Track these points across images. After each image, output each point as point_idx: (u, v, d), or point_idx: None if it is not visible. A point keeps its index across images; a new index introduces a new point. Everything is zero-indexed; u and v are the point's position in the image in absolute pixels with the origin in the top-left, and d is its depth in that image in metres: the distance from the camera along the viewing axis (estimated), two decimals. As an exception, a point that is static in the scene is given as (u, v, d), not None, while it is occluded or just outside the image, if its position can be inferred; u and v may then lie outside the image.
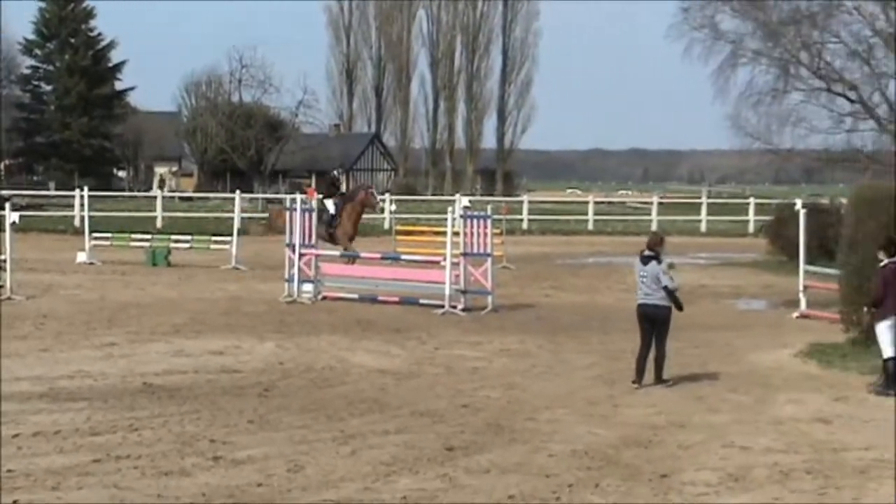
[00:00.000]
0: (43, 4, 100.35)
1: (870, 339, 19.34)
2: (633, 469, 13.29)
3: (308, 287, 28.80)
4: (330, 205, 34.27)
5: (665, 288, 18.51)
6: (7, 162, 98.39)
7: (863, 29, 38.18)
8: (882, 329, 18.32)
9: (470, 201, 32.86)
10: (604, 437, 14.84)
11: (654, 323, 18.59)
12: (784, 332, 24.73)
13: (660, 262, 18.65)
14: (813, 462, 13.69)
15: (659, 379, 18.56)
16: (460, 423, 15.50)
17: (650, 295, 18.57)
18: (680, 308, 18.78)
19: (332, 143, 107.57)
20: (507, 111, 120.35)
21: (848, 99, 38.13)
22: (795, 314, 27.27)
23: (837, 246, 24.24)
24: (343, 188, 38.49)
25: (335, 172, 39.87)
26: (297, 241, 28.93)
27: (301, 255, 28.89)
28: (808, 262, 28.81)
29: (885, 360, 18.28)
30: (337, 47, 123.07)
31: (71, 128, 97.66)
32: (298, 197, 31.98)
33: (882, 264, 18.55)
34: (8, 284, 27.74)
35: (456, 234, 27.90)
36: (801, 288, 28.00)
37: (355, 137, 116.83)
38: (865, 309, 19.18)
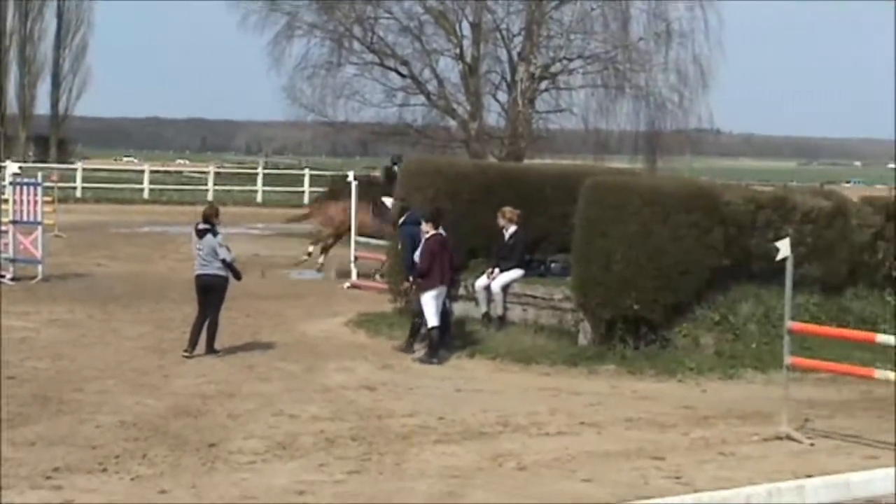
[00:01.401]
0: None
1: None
2: (182, 439, 13.22)
3: None
4: None
5: (223, 260, 18.52)
6: None
7: (414, 6, 39.23)
8: (427, 299, 18.95)
9: (20, 168, 31.75)
10: (153, 408, 14.71)
11: (209, 293, 18.57)
12: (335, 301, 25.18)
13: (216, 234, 18.63)
14: (358, 429, 14.01)
15: (210, 349, 18.54)
16: (6, 395, 14.98)
17: (207, 265, 18.54)
18: (238, 277, 18.90)
19: None
20: (61, 76, 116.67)
21: (400, 74, 39.07)
22: (346, 284, 27.79)
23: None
24: None
25: None
26: None
27: None
28: (360, 233, 29.41)
29: (430, 329, 18.91)
30: None
31: None
32: None
33: (427, 236, 19.17)
34: None
35: (5, 201, 26.98)
36: (352, 259, 28.57)
37: None
38: (410, 279, 19.73)
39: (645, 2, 40.38)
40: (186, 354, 18.18)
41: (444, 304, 19.30)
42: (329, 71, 39.33)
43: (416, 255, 19.27)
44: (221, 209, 20.44)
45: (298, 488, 11.49)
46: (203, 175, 69.82)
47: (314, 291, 27.20)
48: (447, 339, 19.42)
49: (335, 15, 38.68)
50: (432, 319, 18.91)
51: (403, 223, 20.45)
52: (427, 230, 19.24)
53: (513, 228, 20.81)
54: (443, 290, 19.18)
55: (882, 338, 15.58)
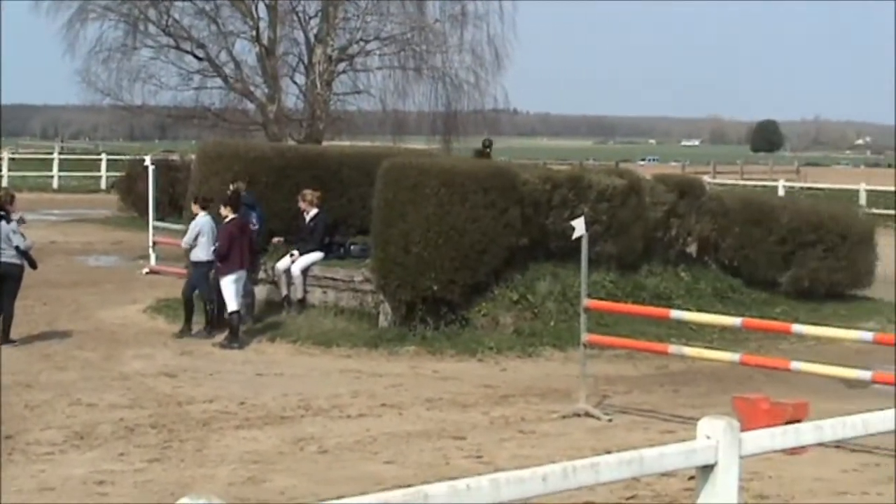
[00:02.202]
0: None
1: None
2: (-25, 433, 12.91)
3: None
4: None
5: (17, 248, 18.09)
6: None
7: (210, -12, 38.72)
8: (226, 283, 18.81)
9: None
10: (-56, 402, 14.32)
11: (4, 281, 18.13)
12: (133, 287, 24.82)
13: (9, 220, 18.20)
14: (158, 416, 13.87)
15: (6, 339, 18.13)
16: None
17: (1, 253, 18.09)
18: (34, 266, 18.51)
19: None
20: None
21: (196, 57, 38.52)
22: (145, 270, 27.42)
23: (186, 201, 24.52)
24: None
25: None
26: None
27: None
28: (159, 218, 29.07)
29: (231, 314, 18.79)
30: None
31: None
32: None
33: (227, 220, 19.03)
34: None
35: None
36: (150, 244, 28.19)
37: None
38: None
39: (440, -17, 40.59)
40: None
41: (245, 286, 19.26)
42: (124, 54, 38.56)
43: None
44: (17, 195, 20.00)
45: (98, 478, 11.32)
46: (-5, 161, 67.81)
47: (112, 278, 26.76)
48: (247, 322, 19.43)
49: (129, -3, 38.04)
50: (232, 304, 18.78)
51: None
52: (226, 214, 19.11)
53: (314, 211, 20.77)
54: (242, 273, 19.07)
55: (676, 313, 16.02)
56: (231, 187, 20.10)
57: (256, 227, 20.09)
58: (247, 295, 19.73)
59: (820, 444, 7.22)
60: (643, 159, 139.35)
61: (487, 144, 36.80)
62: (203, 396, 14.98)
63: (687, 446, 5.87)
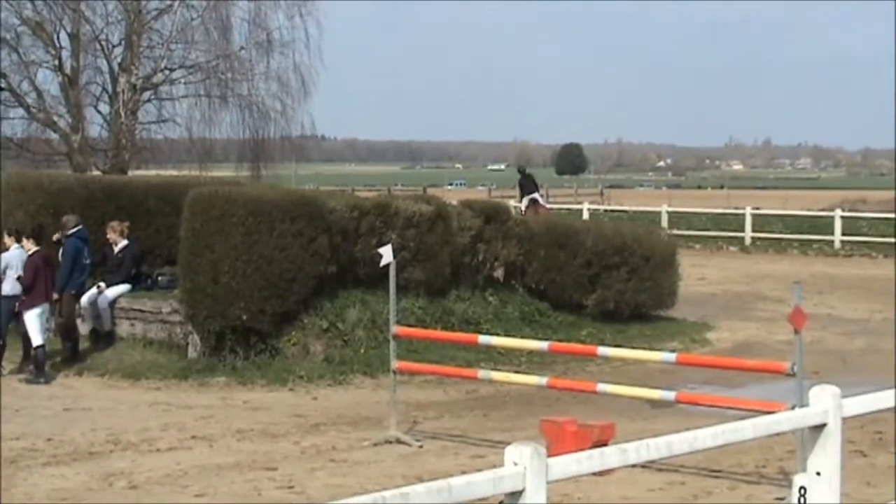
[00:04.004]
0: None
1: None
2: None
3: None
4: None
5: None
6: None
7: (10, 16, 38.08)
8: (31, 317, 18.48)
9: None
10: None
11: None
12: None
13: None
14: (-38, 456, 13.53)
15: None
16: None
17: None
18: None
19: None
20: None
21: (-2, 87, 37.92)
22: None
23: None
24: None
25: None
26: None
27: None
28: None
29: (36, 348, 18.45)
30: None
31: None
32: None
33: (30, 252, 18.70)
34: None
35: None
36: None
37: None
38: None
39: (245, 11, 40.54)
40: None
41: (68, 320, 19.09)
42: (-79, 84, 37.78)
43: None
44: None
45: None
46: None
47: None
48: (78, 356, 19.37)
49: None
50: (37, 338, 18.45)
51: (69, 236, 19.73)
52: (29, 247, 18.78)
53: (123, 243, 20.53)
54: (46, 307, 18.78)
55: (484, 339, 16.25)
56: (63, 219, 19.81)
57: (88, 262, 19.80)
58: (72, 331, 19.45)
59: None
60: (451, 183, 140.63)
61: (521, 170, 38.76)
62: (9, 434, 14.65)
63: (495, 473, 5.99)
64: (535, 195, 38.17)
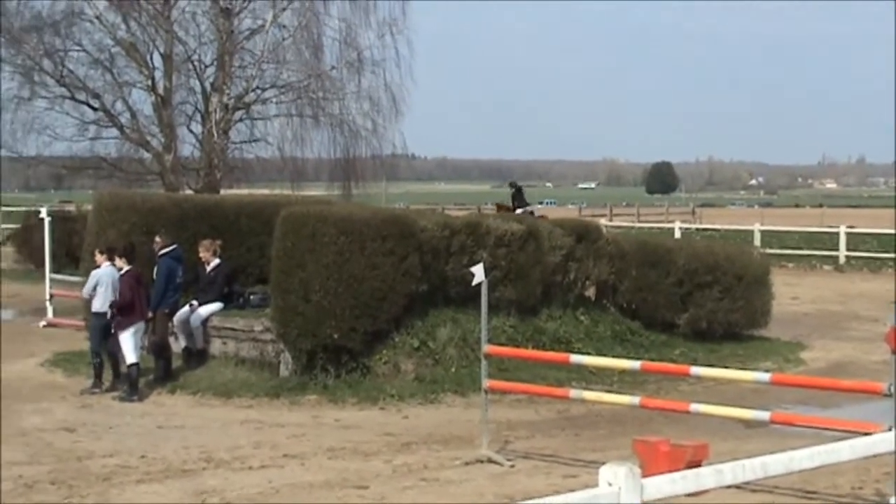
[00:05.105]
0: None
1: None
2: None
3: None
4: None
5: None
6: None
7: (105, 38, 38.50)
8: (125, 336, 18.66)
9: None
10: None
11: None
12: (31, 341, 24.49)
13: None
14: (58, 472, 13.69)
15: None
16: None
17: None
18: None
19: None
20: None
21: (91, 107, 38.27)
22: (42, 323, 27.10)
23: (83, 253, 24.27)
24: None
25: None
26: None
27: None
28: (55, 270, 28.81)
29: (130, 366, 18.62)
30: None
31: None
32: None
33: (122, 272, 18.90)
34: None
35: None
36: (47, 296, 27.89)
37: None
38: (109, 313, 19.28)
39: (336, 31, 40.72)
40: None
41: (161, 339, 19.43)
42: (19, 105, 38.30)
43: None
44: None
45: (-5, 538, 11.15)
46: None
47: (8, 332, 26.32)
48: (171, 374, 19.53)
49: (23, 49, 37.70)
50: (131, 356, 18.63)
51: (163, 255, 19.95)
52: (121, 266, 18.98)
53: (215, 262, 20.69)
54: (141, 325, 18.96)
55: (576, 358, 16.12)
56: (157, 239, 20.03)
57: (181, 280, 20.00)
58: (165, 349, 19.63)
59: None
60: (541, 202, 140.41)
61: (514, 185, 40.42)
62: (103, 451, 14.81)
63: (590, 493, 5.94)
64: (529, 208, 40.80)
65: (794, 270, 41.89)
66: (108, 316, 19.02)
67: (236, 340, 20.05)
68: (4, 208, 61.68)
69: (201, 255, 20.70)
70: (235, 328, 20.07)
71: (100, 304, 19.24)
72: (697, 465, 10.54)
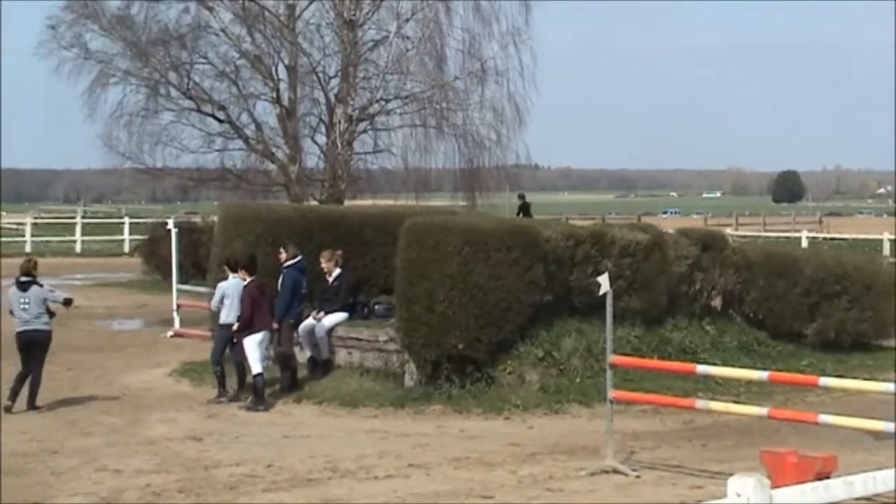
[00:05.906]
0: None
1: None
2: (3, 500, 12.89)
3: None
4: None
5: (67, 300, 18.88)
6: None
7: (230, 50, 38.93)
8: (251, 346, 18.82)
9: None
10: (-29, 470, 14.31)
11: (33, 348, 18.25)
12: (158, 351, 24.85)
13: (41, 285, 18.44)
14: (185, 481, 13.84)
15: (32, 405, 18.19)
16: None
17: (30, 322, 18.23)
18: (69, 303, 19.17)
19: None
20: None
21: (217, 119, 38.74)
22: (169, 333, 27.46)
23: (209, 264, 24.56)
24: None
25: None
26: None
27: None
28: (182, 280, 29.18)
29: (255, 376, 18.79)
30: None
31: None
32: None
33: (246, 283, 19.07)
34: None
35: None
36: (174, 307, 28.26)
37: None
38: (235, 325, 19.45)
39: (459, 41, 40.79)
40: (10, 403, 17.90)
41: (287, 349, 19.64)
42: (146, 118, 38.85)
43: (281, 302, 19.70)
44: (40, 260, 20.19)
45: (125, 545, 11.29)
46: (21, 226, 68.17)
47: (136, 342, 26.80)
48: (296, 384, 19.64)
49: (150, 62, 38.28)
50: (256, 366, 18.79)
51: (288, 266, 20.16)
52: (244, 277, 19.15)
53: (337, 272, 20.81)
54: (266, 335, 19.11)
55: (702, 368, 15.93)
56: (282, 251, 20.20)
57: (306, 291, 20.18)
58: (290, 359, 19.78)
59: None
60: (665, 212, 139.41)
61: (521, 196, 39.82)
62: (229, 460, 14.95)
63: (718, 505, 5.85)
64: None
65: (925, 280, 40.99)
66: (234, 328, 19.22)
67: (361, 350, 20.15)
68: (132, 220, 62.78)
69: (323, 265, 20.83)
70: (360, 338, 20.17)
71: (226, 315, 19.44)
72: (826, 476, 10.35)
